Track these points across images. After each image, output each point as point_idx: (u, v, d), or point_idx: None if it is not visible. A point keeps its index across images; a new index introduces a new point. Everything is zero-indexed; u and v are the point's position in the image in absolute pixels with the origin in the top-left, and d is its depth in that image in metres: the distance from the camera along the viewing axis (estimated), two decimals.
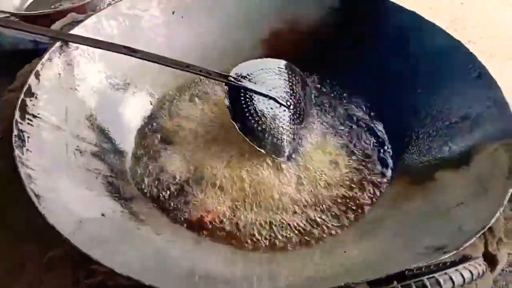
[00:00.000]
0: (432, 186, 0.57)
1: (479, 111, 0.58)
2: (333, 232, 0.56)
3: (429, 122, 0.63)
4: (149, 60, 0.62)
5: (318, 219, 0.57)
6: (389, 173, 0.63)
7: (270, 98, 0.64)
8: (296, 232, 0.55)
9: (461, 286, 0.32)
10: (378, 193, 0.60)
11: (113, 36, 0.68)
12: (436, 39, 0.66)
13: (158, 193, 0.59)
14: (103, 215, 0.50)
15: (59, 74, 0.61)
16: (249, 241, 0.55)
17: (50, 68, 0.60)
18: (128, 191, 0.57)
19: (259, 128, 0.62)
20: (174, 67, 0.63)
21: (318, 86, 0.74)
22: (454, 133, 0.60)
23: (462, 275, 0.32)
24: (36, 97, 0.56)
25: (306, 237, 0.55)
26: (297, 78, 0.70)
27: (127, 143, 0.64)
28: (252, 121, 0.62)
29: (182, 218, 0.56)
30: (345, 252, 0.51)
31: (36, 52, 0.79)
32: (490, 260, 0.48)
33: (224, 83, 0.65)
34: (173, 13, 0.74)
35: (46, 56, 0.60)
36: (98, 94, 0.64)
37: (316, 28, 0.76)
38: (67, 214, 0.46)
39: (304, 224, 0.56)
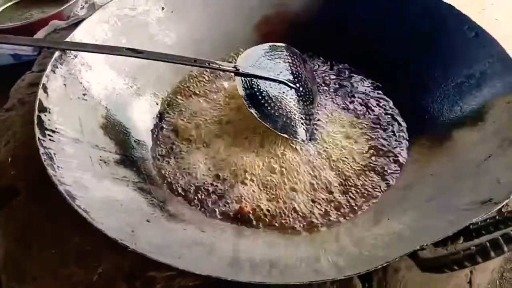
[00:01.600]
0: (452, 145, 0.59)
1: (482, 69, 0.61)
2: (367, 205, 0.57)
3: (435, 85, 0.66)
4: (155, 59, 0.60)
5: (350, 194, 0.58)
6: (406, 140, 0.64)
7: (280, 82, 0.65)
8: (333, 209, 0.56)
9: None
10: (401, 161, 0.61)
11: (108, 40, 0.66)
12: (429, 4, 0.68)
13: (190, 191, 0.58)
14: (148, 221, 0.49)
15: (65, 85, 0.58)
16: (287, 226, 0.55)
17: (55, 79, 0.57)
18: (161, 194, 0.56)
19: (276, 113, 0.62)
20: (182, 63, 0.62)
21: (319, 65, 0.75)
22: (462, 93, 0.62)
23: None
24: (49, 112, 0.54)
25: (344, 212, 0.56)
26: (298, 59, 0.70)
27: (145, 147, 0.63)
28: (269, 107, 0.62)
29: (221, 213, 0.56)
30: (388, 219, 0.52)
31: (19, 66, 0.75)
32: None
33: (233, 74, 0.64)
34: (162, 9, 0.72)
35: (49, 68, 0.57)
36: (105, 101, 0.62)
37: (305, 9, 0.76)
38: (119, 225, 0.44)
39: (338, 200, 0.57)
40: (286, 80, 0.65)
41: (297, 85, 0.66)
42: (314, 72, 0.73)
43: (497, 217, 0.41)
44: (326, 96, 0.70)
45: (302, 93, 0.66)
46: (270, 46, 0.70)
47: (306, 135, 0.62)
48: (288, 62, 0.68)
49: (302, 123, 0.63)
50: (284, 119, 0.62)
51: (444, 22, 0.67)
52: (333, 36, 0.75)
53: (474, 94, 0.61)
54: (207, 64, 0.63)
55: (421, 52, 0.68)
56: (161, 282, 0.46)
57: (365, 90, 0.71)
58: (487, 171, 0.51)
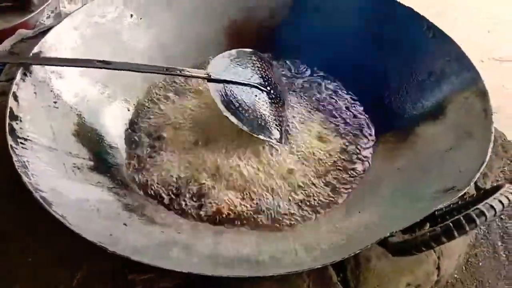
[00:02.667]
0: (416, 140, 0.62)
1: (441, 66, 0.64)
2: (339, 200, 0.59)
3: (398, 84, 0.69)
4: (127, 70, 0.61)
5: (323, 191, 0.60)
6: (373, 137, 0.67)
7: (252, 86, 0.66)
8: (307, 206, 0.58)
9: (501, 211, 0.37)
10: (369, 157, 0.64)
11: (77, 48, 0.66)
12: (389, 7, 0.72)
13: (166, 195, 0.58)
14: (125, 224, 0.49)
15: (35, 93, 0.58)
16: (264, 222, 0.56)
17: (25, 88, 0.57)
18: (136, 199, 0.57)
19: (250, 116, 0.63)
20: (154, 72, 0.62)
21: (288, 68, 0.77)
22: (424, 90, 0.65)
23: (501, 202, 0.37)
24: (20, 120, 0.54)
25: (317, 208, 0.58)
26: (266, 64, 0.72)
27: (118, 152, 0.63)
28: (243, 111, 0.63)
29: (198, 215, 0.56)
30: (359, 212, 0.54)
31: None
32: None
33: (206, 80, 0.65)
34: (131, 16, 0.72)
35: (18, 76, 0.57)
36: (77, 108, 0.62)
37: (273, 13, 0.78)
38: (97, 229, 0.45)
39: (312, 197, 0.59)
40: (257, 84, 0.67)
41: (268, 88, 0.67)
42: (283, 76, 0.75)
43: (459, 202, 0.44)
44: (296, 99, 0.72)
45: (273, 96, 0.67)
46: (237, 52, 0.71)
47: (281, 136, 0.64)
48: (257, 66, 0.70)
49: (276, 125, 0.64)
50: (259, 121, 0.63)
51: (405, 25, 0.70)
52: (301, 41, 0.77)
53: (434, 91, 0.64)
54: (178, 72, 0.63)
55: (384, 53, 0.71)
56: (141, 284, 0.47)
57: (333, 92, 0.73)
58: (449, 162, 0.54)
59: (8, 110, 0.53)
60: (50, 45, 0.63)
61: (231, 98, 0.63)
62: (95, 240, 0.41)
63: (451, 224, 0.36)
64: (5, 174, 0.54)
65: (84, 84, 0.64)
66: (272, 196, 0.58)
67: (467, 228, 0.35)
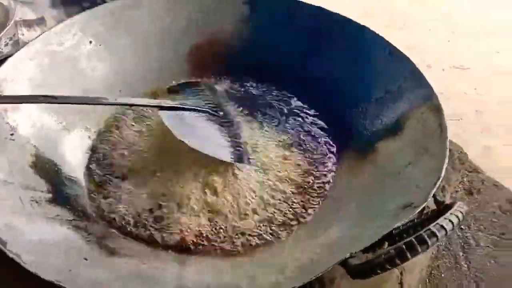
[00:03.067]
0: (376, 156, 0.63)
1: (398, 84, 0.66)
2: (302, 220, 0.59)
3: (355, 102, 0.70)
4: (71, 103, 0.60)
5: (289, 211, 0.60)
6: (334, 156, 0.67)
7: (203, 111, 0.67)
8: (275, 226, 0.58)
9: (452, 230, 0.38)
10: (332, 175, 0.65)
11: (34, 78, 0.65)
12: (345, 26, 0.74)
13: (129, 224, 0.57)
14: (85, 259, 0.48)
15: None
16: (230, 248, 0.56)
17: None
18: (98, 230, 0.55)
19: (207, 139, 0.63)
20: (102, 104, 0.62)
21: (254, 87, 0.78)
22: (382, 107, 0.67)
23: (451, 221, 0.38)
24: None
25: (284, 229, 0.58)
26: (207, 91, 0.72)
27: (78, 182, 0.62)
28: (198, 135, 0.63)
29: (162, 244, 0.55)
30: (323, 231, 0.55)
31: None
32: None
33: (158, 109, 0.65)
34: (90, 42, 0.72)
35: None
36: (34, 139, 0.61)
37: (235, 37, 0.79)
38: (56, 266, 0.44)
39: (279, 219, 0.59)
40: (209, 109, 0.67)
41: (219, 112, 0.68)
42: (249, 96, 0.76)
43: (415, 220, 0.45)
44: (262, 121, 0.72)
45: (226, 120, 0.68)
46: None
47: (242, 157, 0.64)
48: (201, 94, 0.71)
49: (235, 146, 0.64)
50: (218, 143, 0.63)
51: (362, 42, 0.72)
52: (264, 63, 0.77)
53: (392, 107, 0.66)
54: (128, 102, 0.64)
55: (344, 73, 0.73)
56: None
57: (296, 111, 0.74)
58: (408, 178, 0.55)
59: None
60: (6, 75, 0.62)
61: (185, 124, 0.63)
62: (52, 278, 0.40)
63: (403, 246, 0.36)
64: None
65: (41, 114, 0.63)
66: (239, 219, 0.58)
67: (419, 250, 0.36)
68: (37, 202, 0.54)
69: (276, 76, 0.78)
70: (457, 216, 0.38)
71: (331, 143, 0.69)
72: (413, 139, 0.60)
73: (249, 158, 0.64)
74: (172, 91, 0.71)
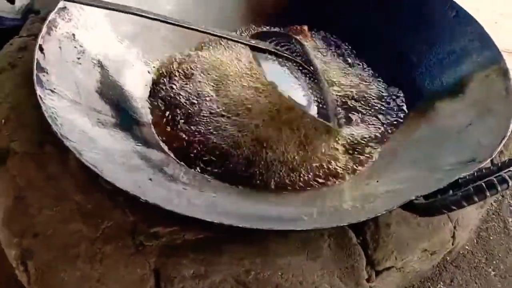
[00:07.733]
0: (434, 115, 0.63)
1: (462, 45, 0.65)
2: (362, 168, 0.60)
3: (419, 61, 0.69)
4: (165, 22, 0.58)
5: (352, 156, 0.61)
6: (395, 109, 0.68)
7: (297, 62, 0.65)
8: (337, 168, 0.59)
9: None
10: (388, 130, 0.65)
11: None
12: None
13: (188, 156, 0.59)
14: (150, 179, 0.50)
15: (60, 47, 0.58)
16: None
17: (50, 41, 0.57)
18: (158, 157, 0.57)
19: (300, 91, 0.61)
20: (197, 31, 0.60)
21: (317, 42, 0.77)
22: (443, 68, 0.66)
23: None
24: (47, 72, 0.54)
25: (345, 172, 0.59)
26: (297, 44, 0.70)
27: (140, 112, 0.63)
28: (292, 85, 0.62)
29: (220, 176, 0.57)
30: (377, 182, 0.55)
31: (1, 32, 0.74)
32: None
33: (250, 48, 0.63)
34: None
35: (44, 29, 0.57)
36: (99, 66, 0.62)
37: None
38: (127, 181, 0.45)
39: (331, 166, 0.60)
40: (301, 61, 0.66)
41: (311, 67, 0.66)
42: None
43: (475, 173, 0.45)
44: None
45: (314, 77, 0.66)
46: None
47: (329, 116, 0.61)
48: (295, 47, 0.68)
49: (322, 106, 0.62)
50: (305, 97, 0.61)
51: (427, 4, 0.71)
52: (332, 14, 0.77)
53: (454, 69, 0.65)
54: (225, 35, 0.62)
55: (407, 32, 0.71)
56: (165, 236, 0.47)
57: (360, 68, 0.74)
58: (469, 136, 0.55)
59: (35, 61, 0.53)
60: None
61: (275, 68, 0.62)
62: (127, 189, 0.42)
63: (483, 184, 0.37)
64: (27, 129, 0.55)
65: (108, 41, 0.64)
66: (306, 160, 0.59)
67: (499, 189, 0.36)
68: (103, 124, 0.55)
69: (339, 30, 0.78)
70: None
71: (392, 96, 0.70)
72: (475, 100, 0.60)
73: (335, 115, 0.63)
74: (257, 37, 0.67)
